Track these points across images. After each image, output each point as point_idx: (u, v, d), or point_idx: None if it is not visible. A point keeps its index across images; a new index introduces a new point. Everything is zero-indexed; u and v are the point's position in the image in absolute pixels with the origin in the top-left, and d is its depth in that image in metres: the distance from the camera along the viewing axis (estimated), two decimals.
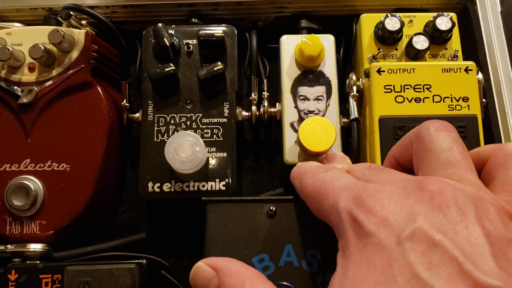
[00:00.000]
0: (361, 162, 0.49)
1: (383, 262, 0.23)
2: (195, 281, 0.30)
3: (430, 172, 0.28)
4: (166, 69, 0.47)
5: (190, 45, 0.51)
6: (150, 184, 0.47)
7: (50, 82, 0.49)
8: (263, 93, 0.52)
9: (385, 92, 0.46)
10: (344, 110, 0.50)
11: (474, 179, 0.26)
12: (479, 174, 0.28)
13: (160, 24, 0.49)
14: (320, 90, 0.49)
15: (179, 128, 0.48)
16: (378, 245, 0.23)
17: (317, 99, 0.49)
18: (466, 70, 0.47)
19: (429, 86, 0.46)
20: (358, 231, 0.25)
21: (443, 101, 0.46)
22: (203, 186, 0.47)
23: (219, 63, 0.48)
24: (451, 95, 0.46)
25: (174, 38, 0.50)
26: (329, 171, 0.31)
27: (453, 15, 0.50)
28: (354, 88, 0.49)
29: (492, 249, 0.22)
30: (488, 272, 0.21)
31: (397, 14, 0.50)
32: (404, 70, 0.47)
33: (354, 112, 0.49)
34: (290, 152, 0.47)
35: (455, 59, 0.50)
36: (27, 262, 0.45)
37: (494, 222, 0.23)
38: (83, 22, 0.51)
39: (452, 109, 0.46)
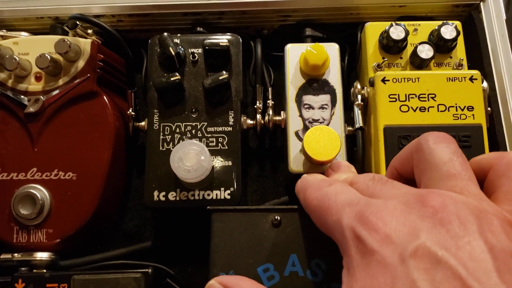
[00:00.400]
0: (366, 172, 0.49)
1: (387, 280, 0.23)
2: None
3: (432, 184, 0.28)
4: (171, 78, 0.48)
5: (196, 54, 0.51)
6: (155, 193, 0.47)
7: (56, 92, 0.49)
8: (268, 101, 0.52)
9: (389, 101, 0.46)
10: (349, 118, 0.51)
11: (476, 191, 0.26)
12: (481, 184, 0.29)
13: (165, 34, 0.49)
14: (324, 98, 0.49)
15: (184, 137, 0.49)
16: (381, 262, 0.24)
17: (321, 107, 0.49)
18: (471, 79, 0.47)
19: (433, 95, 0.46)
20: (362, 248, 0.25)
21: (448, 110, 0.46)
22: (208, 195, 0.47)
23: (224, 72, 0.49)
24: (455, 104, 0.46)
25: (180, 47, 0.50)
26: (332, 185, 0.31)
27: (457, 23, 0.50)
28: (359, 96, 0.50)
29: (495, 263, 0.22)
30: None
31: (402, 23, 0.50)
32: (408, 79, 0.47)
33: (358, 121, 0.49)
34: (295, 161, 0.47)
35: (460, 67, 0.50)
36: (34, 270, 0.45)
37: (497, 234, 0.23)
38: (89, 31, 0.52)
39: (457, 118, 0.46)
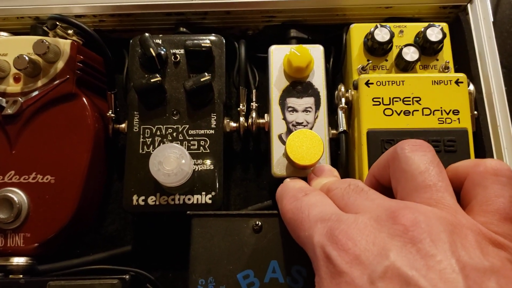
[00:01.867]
0: (349, 176, 0.49)
1: None
2: None
3: (407, 196, 0.27)
4: (152, 80, 0.47)
5: (177, 55, 0.50)
6: (134, 197, 0.46)
7: (35, 93, 0.48)
8: (252, 103, 0.51)
9: (373, 104, 0.45)
10: (333, 121, 0.50)
11: (452, 203, 0.26)
12: (458, 193, 0.28)
13: (146, 34, 0.49)
14: (308, 101, 0.48)
15: (165, 139, 0.48)
16: (350, 284, 0.23)
17: (305, 110, 0.48)
18: (457, 82, 0.46)
19: (418, 99, 0.46)
20: (332, 269, 0.24)
21: (433, 114, 0.45)
22: (189, 199, 0.46)
23: (206, 74, 0.48)
24: (441, 108, 0.45)
25: (161, 48, 0.50)
26: (308, 195, 0.31)
27: (444, 25, 0.50)
28: (343, 100, 0.49)
29: (466, 283, 0.21)
30: None
31: (387, 25, 0.49)
32: (393, 82, 0.46)
33: (342, 125, 0.48)
34: (278, 165, 0.46)
35: (446, 70, 0.49)
36: (10, 276, 0.44)
37: (471, 250, 0.23)
38: (70, 31, 0.51)
39: (442, 122, 0.45)
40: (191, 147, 0.47)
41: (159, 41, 0.50)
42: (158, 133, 0.48)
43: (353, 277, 0.23)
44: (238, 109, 0.51)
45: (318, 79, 0.49)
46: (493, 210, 0.26)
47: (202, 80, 0.47)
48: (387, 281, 0.22)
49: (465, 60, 0.52)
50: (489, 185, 0.27)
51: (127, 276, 0.42)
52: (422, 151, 0.28)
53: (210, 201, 0.46)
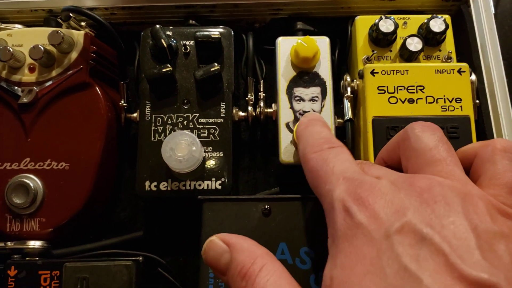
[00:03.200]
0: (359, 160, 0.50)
1: (372, 252, 0.24)
2: (207, 254, 0.30)
3: (418, 170, 0.29)
4: (163, 70, 0.48)
5: (187, 46, 0.51)
6: (147, 183, 0.47)
7: (50, 83, 0.49)
8: (260, 94, 0.53)
9: (378, 93, 0.47)
10: (339, 110, 0.51)
11: (461, 175, 0.27)
12: (467, 173, 0.29)
13: (157, 26, 0.50)
14: (315, 91, 0.50)
15: (176, 128, 0.49)
16: (367, 236, 0.24)
17: (312, 100, 0.50)
18: (459, 71, 0.47)
19: (422, 87, 0.47)
20: (349, 221, 0.25)
21: (436, 102, 0.47)
22: (200, 185, 0.47)
23: (216, 64, 0.49)
24: (444, 96, 0.47)
25: (172, 39, 0.51)
26: (334, 148, 0.31)
27: (447, 17, 0.51)
28: (349, 89, 0.50)
29: (478, 242, 0.23)
30: (473, 265, 0.22)
31: (391, 16, 0.50)
32: (397, 71, 0.47)
33: (348, 113, 0.49)
34: (285, 152, 0.48)
35: (449, 60, 0.50)
36: (27, 258, 0.45)
37: (482, 216, 0.24)
38: (83, 23, 0.52)
39: (445, 110, 0.46)
40: (201, 135, 0.49)
41: (170, 33, 0.51)
42: (169, 121, 0.49)
43: (370, 230, 0.24)
44: (246, 98, 0.53)
45: (324, 69, 0.50)
46: (502, 184, 0.27)
47: (211, 70, 0.48)
48: (403, 235, 0.23)
49: (467, 51, 0.53)
50: (498, 161, 0.28)
51: (141, 258, 0.43)
52: (431, 131, 0.29)
53: (220, 187, 0.47)
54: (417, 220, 0.24)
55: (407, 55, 0.50)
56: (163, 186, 0.47)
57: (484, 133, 0.49)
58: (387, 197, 0.25)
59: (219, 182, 0.48)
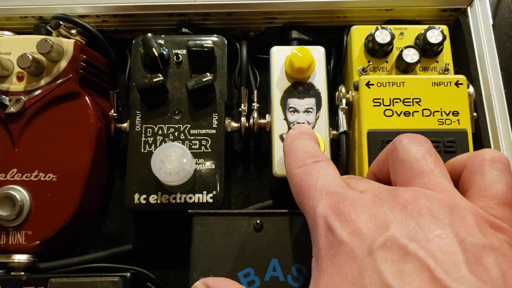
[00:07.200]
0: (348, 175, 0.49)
1: (354, 271, 0.23)
2: None
3: (406, 183, 0.28)
4: (154, 80, 0.47)
5: (180, 55, 0.50)
6: (136, 196, 0.46)
7: (38, 92, 0.48)
8: (253, 104, 0.52)
9: (374, 105, 0.46)
10: (334, 122, 0.50)
11: (449, 187, 0.26)
12: (456, 185, 0.29)
13: (149, 34, 0.49)
14: (309, 102, 0.49)
15: (167, 139, 0.48)
16: (349, 254, 0.24)
17: (306, 111, 0.49)
18: (457, 84, 0.46)
19: (418, 100, 0.46)
20: (331, 238, 0.25)
21: (433, 115, 0.46)
22: (190, 198, 0.46)
23: (208, 74, 0.48)
24: (441, 109, 0.46)
25: (164, 48, 0.50)
26: (318, 163, 0.31)
27: (444, 28, 0.50)
28: (344, 100, 0.49)
29: (465, 256, 0.22)
30: (460, 280, 0.21)
31: (388, 27, 0.49)
32: (393, 83, 0.46)
33: (343, 125, 0.48)
34: (279, 165, 0.47)
35: (446, 72, 0.50)
36: (12, 273, 0.44)
37: (470, 229, 0.23)
38: (73, 31, 0.51)
39: (441, 123, 0.45)
40: (193, 147, 0.48)
41: (162, 41, 0.50)
42: (160, 132, 0.48)
43: (352, 247, 0.24)
44: (240, 109, 0.52)
45: (319, 80, 0.49)
46: (491, 195, 0.26)
47: (204, 80, 0.47)
48: (387, 251, 0.23)
49: (464, 63, 0.52)
50: (487, 172, 0.27)
51: (128, 274, 0.42)
52: (419, 143, 0.29)
53: (211, 200, 0.46)
54: (400, 234, 0.23)
55: (403, 67, 0.49)
56: (152, 199, 0.46)
57: (482, 146, 0.48)
58: (370, 211, 0.25)
59: (211, 195, 0.47)
